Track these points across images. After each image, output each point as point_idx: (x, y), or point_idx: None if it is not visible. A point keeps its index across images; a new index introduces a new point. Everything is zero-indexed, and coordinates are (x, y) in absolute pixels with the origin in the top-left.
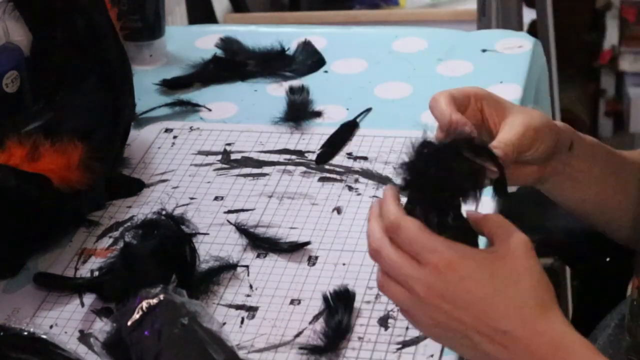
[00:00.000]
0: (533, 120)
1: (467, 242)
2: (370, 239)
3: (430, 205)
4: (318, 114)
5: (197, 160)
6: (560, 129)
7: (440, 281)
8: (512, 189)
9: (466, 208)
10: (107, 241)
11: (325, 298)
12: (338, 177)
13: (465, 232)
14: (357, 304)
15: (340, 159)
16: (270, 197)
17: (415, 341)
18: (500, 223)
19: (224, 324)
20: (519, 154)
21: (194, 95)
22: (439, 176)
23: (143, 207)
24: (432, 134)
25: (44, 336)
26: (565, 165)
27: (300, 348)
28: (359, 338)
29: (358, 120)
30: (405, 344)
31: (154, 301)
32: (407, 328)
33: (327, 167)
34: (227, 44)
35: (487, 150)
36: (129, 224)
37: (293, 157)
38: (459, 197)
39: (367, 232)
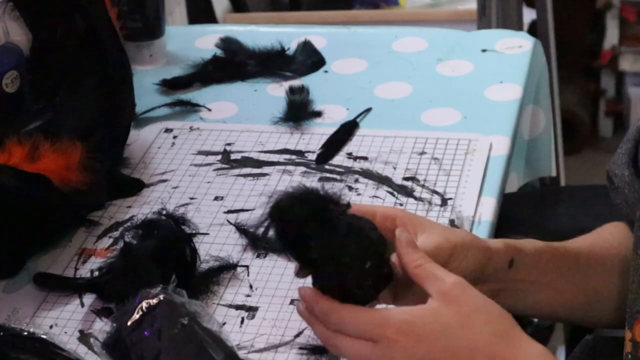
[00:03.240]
0: (453, 235)
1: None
2: (326, 342)
3: (345, 282)
4: (318, 114)
5: (197, 160)
6: (493, 251)
7: (399, 350)
8: (512, 188)
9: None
10: (107, 241)
11: None
12: (338, 177)
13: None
14: None
15: (340, 159)
16: (270, 197)
17: None
18: (427, 274)
19: (224, 324)
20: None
21: (194, 95)
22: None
23: (143, 207)
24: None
25: (44, 336)
26: (506, 282)
27: (300, 348)
28: None
29: (358, 120)
30: None
31: (154, 301)
32: None
33: (327, 167)
34: (227, 44)
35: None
36: (129, 224)
37: (293, 157)
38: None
39: (318, 336)
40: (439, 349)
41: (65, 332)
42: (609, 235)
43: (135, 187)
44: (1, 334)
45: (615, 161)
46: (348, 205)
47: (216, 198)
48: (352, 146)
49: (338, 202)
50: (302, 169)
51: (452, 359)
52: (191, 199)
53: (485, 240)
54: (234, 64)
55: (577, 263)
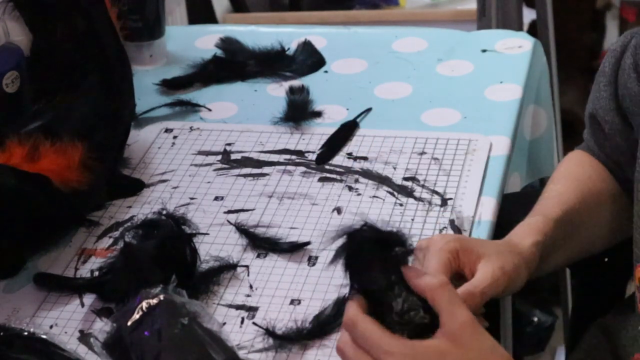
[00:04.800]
0: (506, 265)
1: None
2: (339, 345)
3: (378, 301)
4: (318, 114)
5: (197, 160)
6: (531, 262)
7: None
8: (515, 189)
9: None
10: (107, 241)
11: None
12: (338, 177)
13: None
14: None
15: (340, 159)
16: (270, 197)
17: None
18: (443, 304)
19: (224, 324)
20: (489, 296)
21: (194, 95)
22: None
23: (143, 207)
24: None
25: (44, 336)
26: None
27: (300, 348)
28: None
29: (358, 120)
30: None
31: (154, 301)
32: None
33: (327, 167)
34: (227, 44)
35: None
36: (129, 224)
37: (293, 157)
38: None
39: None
40: None
41: (65, 332)
42: (581, 172)
43: (135, 187)
44: (1, 334)
45: (602, 106)
46: (410, 251)
47: (216, 198)
48: (352, 146)
49: (404, 243)
50: (302, 169)
51: None
52: (191, 199)
53: (524, 253)
54: (234, 64)
55: (578, 220)
